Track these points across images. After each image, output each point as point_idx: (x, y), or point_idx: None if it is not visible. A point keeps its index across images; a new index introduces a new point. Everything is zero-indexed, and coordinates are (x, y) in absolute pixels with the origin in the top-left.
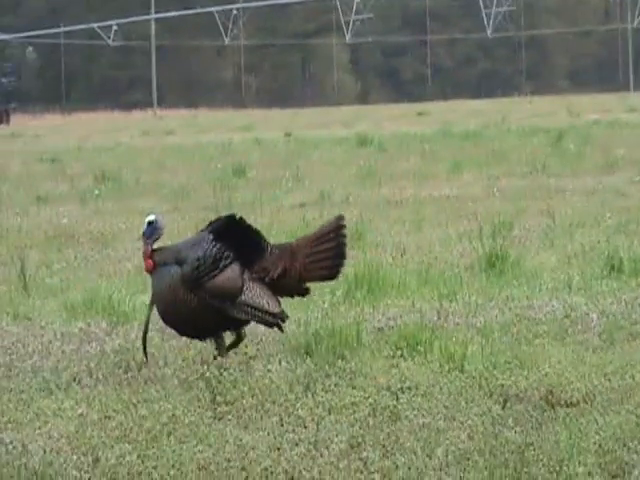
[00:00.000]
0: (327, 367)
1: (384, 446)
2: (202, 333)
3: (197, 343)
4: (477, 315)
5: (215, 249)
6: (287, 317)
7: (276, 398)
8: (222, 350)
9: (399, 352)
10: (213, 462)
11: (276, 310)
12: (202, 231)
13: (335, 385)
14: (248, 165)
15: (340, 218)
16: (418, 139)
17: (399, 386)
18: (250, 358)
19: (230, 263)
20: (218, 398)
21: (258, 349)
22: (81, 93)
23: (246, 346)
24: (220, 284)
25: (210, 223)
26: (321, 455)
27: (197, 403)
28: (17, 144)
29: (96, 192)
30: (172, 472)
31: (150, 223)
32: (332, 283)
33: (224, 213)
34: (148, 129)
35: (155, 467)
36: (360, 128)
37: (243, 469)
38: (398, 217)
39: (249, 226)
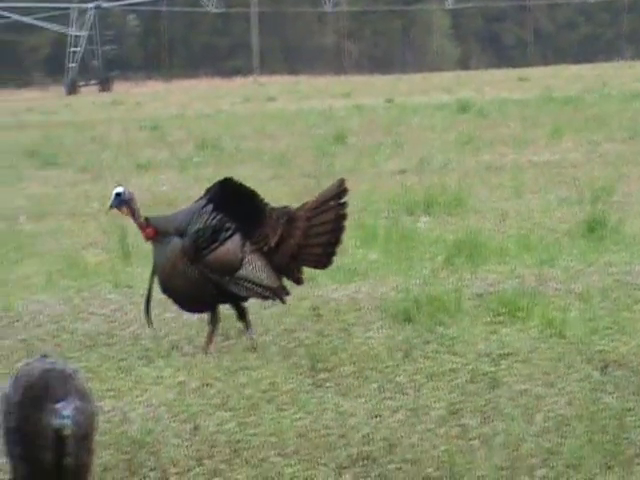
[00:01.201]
0: (426, 333)
1: (483, 412)
2: (201, 306)
3: (296, 310)
4: (576, 281)
5: (215, 220)
6: (288, 292)
7: (375, 365)
8: (216, 324)
9: (499, 318)
10: (312, 429)
11: (275, 284)
12: (201, 199)
13: (434, 351)
14: (348, 131)
15: (341, 183)
16: (518, 105)
17: (498, 352)
18: (349, 325)
19: (231, 235)
20: (317, 365)
21: (357, 316)
22: (182, 60)
23: (345, 313)
24: (220, 257)
25: (208, 190)
26: (420, 421)
27: (296, 370)
28: (118, 111)
29: (196, 159)
30: (271, 439)
31: (117, 195)
32: (429, 253)
33: (324, 179)
34: (249, 96)
35: (254, 434)
36: (461, 94)
37: (342, 436)
38: (498, 183)
39: (246, 189)
